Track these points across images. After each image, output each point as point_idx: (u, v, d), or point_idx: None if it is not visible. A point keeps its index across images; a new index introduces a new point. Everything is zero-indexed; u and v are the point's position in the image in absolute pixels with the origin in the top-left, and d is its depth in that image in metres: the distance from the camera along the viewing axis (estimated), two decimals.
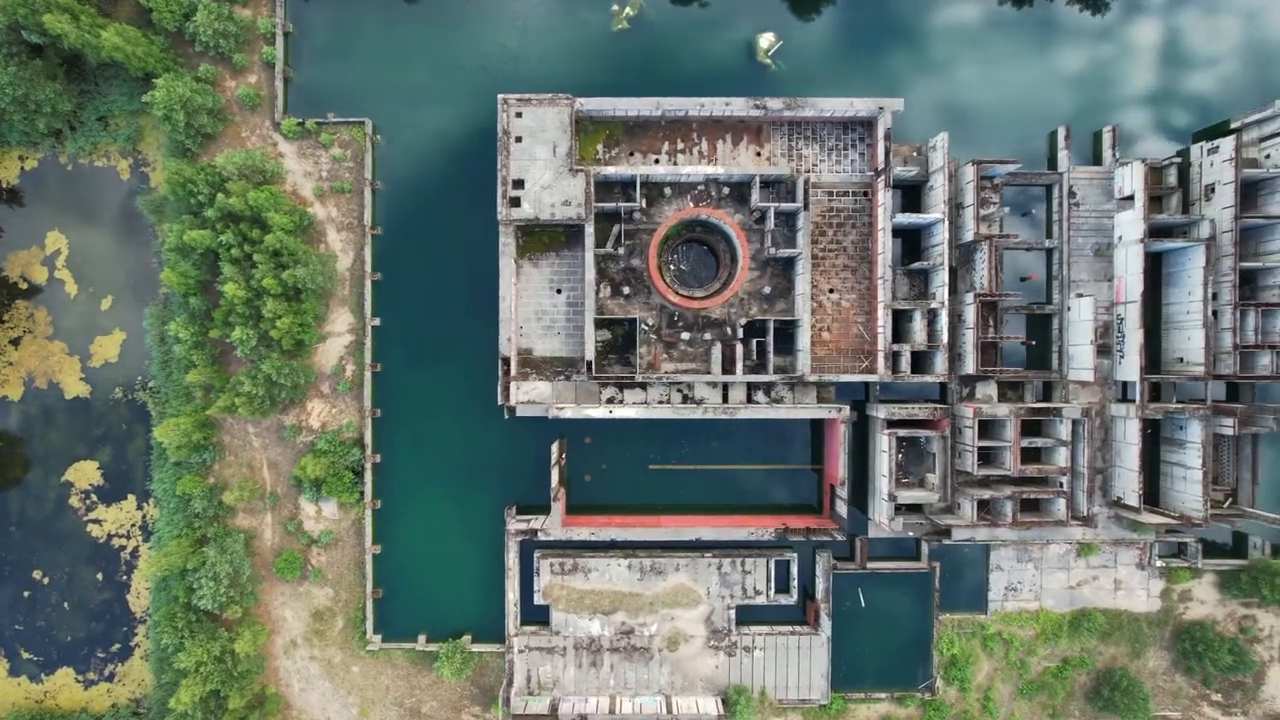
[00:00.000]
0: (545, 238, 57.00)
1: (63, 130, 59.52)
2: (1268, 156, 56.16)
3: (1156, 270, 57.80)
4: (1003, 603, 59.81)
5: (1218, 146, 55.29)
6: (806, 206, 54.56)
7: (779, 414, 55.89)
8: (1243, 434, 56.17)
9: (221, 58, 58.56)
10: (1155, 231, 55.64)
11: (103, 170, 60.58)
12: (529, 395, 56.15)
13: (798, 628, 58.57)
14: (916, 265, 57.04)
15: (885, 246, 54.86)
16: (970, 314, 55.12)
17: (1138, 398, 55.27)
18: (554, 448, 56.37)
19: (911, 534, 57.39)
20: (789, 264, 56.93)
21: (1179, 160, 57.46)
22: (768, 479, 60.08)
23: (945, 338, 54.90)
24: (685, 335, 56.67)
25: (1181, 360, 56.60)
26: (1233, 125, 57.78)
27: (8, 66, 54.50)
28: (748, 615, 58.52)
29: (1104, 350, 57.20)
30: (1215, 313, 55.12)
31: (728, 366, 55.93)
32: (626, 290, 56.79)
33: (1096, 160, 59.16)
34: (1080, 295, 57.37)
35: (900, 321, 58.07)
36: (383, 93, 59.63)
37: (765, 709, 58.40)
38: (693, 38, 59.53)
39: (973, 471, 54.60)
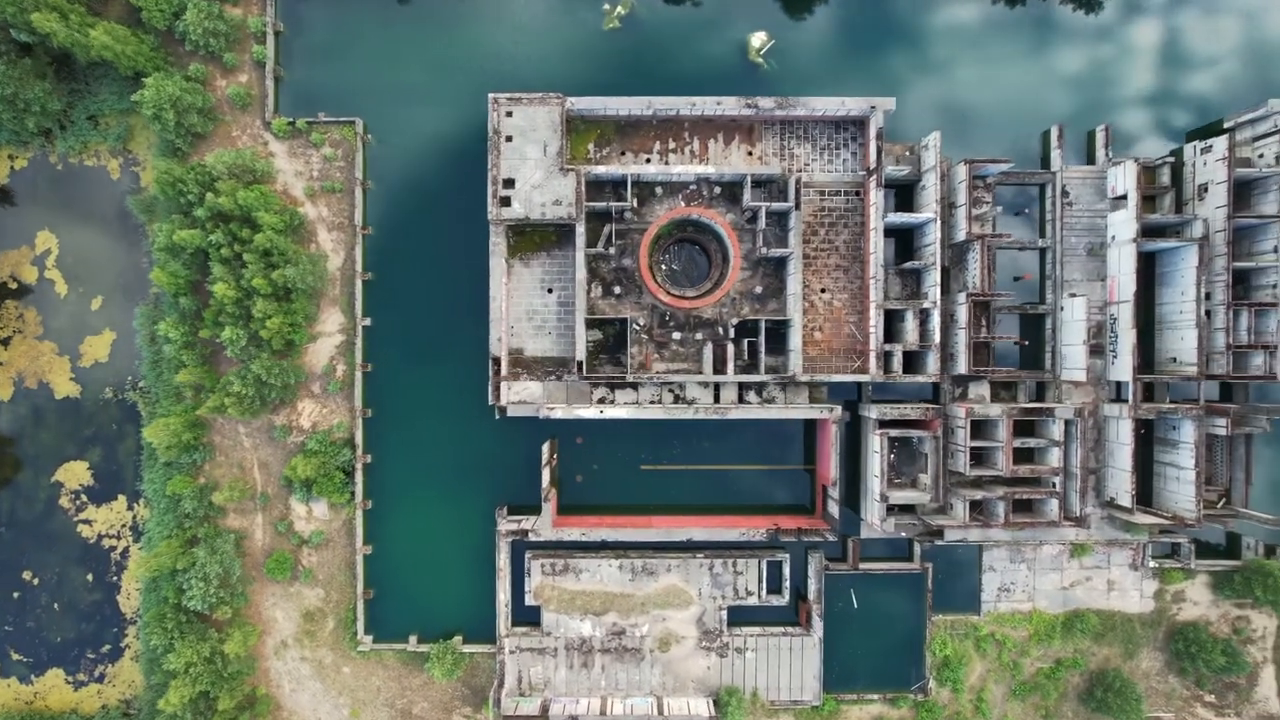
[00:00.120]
0: (536, 237, 56.83)
1: (52, 129, 59.32)
2: (1260, 156, 55.96)
3: (1150, 270, 57.61)
4: (996, 603, 59.65)
5: (1211, 146, 55.13)
6: (798, 206, 54.40)
7: (771, 414, 55.71)
8: (1236, 434, 55.97)
9: (212, 57, 58.38)
10: (1148, 231, 55.45)
11: (93, 170, 60.38)
12: (520, 395, 55.97)
13: (790, 629, 58.39)
14: (909, 265, 56.87)
15: (877, 246, 54.68)
16: (963, 314, 54.94)
17: (1131, 398, 55.07)
18: (545, 448, 56.20)
19: (904, 534, 57.19)
20: (781, 264, 56.76)
21: (1172, 160, 57.33)
22: (760, 479, 59.90)
23: (938, 338, 54.72)
24: (677, 335, 56.49)
25: (1175, 360, 56.43)
26: (1226, 125, 57.52)
27: None
28: (739, 616, 58.31)
29: (1097, 350, 57.02)
30: (1208, 312, 54.94)
31: (719, 366, 55.75)
32: (618, 290, 56.60)
33: (1090, 160, 59.00)
34: (1073, 295, 57.22)
35: (893, 321, 57.90)
36: (374, 92, 59.43)
37: (757, 710, 58.21)
38: (684, 37, 59.35)
39: (965, 472, 54.42)
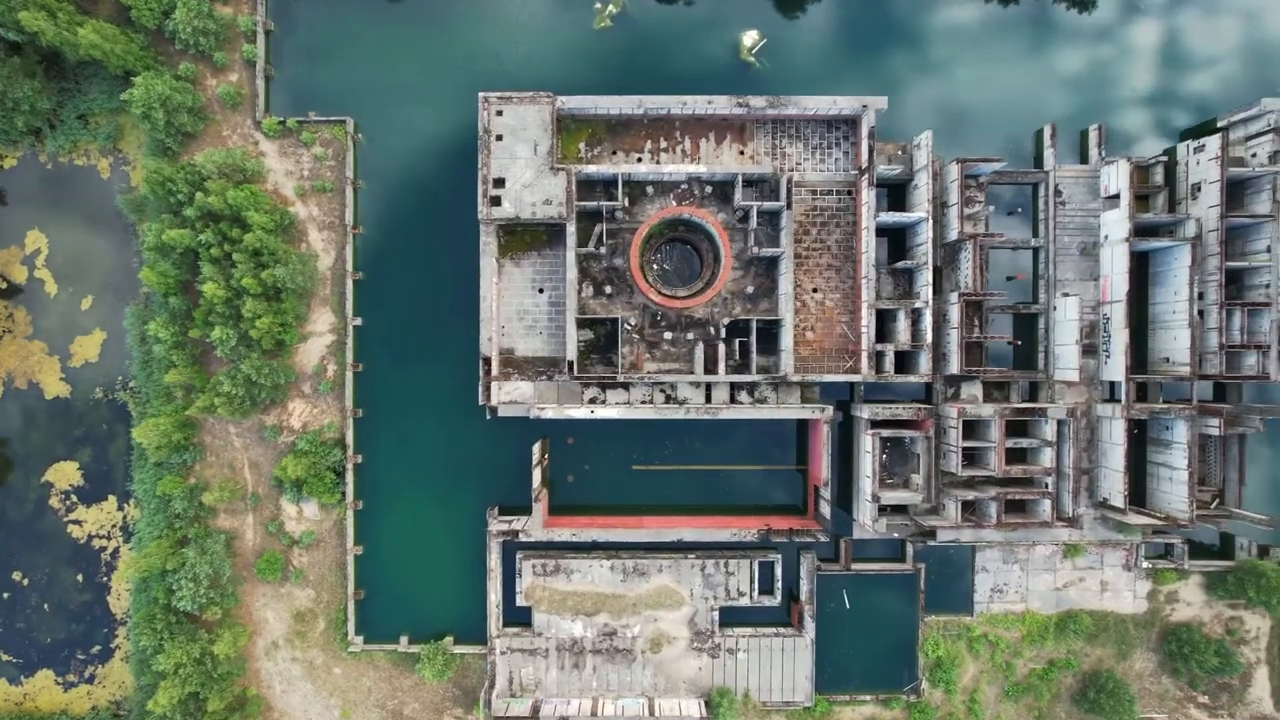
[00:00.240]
0: (527, 237, 56.64)
1: (42, 129, 59.09)
2: (1254, 155, 55.79)
3: (1143, 270, 57.45)
4: (988, 604, 59.46)
5: (1204, 145, 54.94)
6: (790, 205, 54.19)
7: (762, 414, 55.54)
8: (1229, 434, 55.84)
9: (202, 55, 58.16)
10: (1141, 230, 55.26)
11: (83, 169, 60.18)
12: (511, 395, 55.78)
13: (782, 629, 58.18)
14: (901, 264, 56.67)
15: (869, 245, 54.49)
16: (955, 313, 54.75)
17: (1123, 398, 54.91)
18: (536, 448, 56.02)
19: (896, 535, 57.01)
20: (772, 263, 56.57)
21: (1165, 159, 57.07)
22: (752, 480, 59.72)
23: (930, 337, 54.54)
24: (668, 335, 56.30)
25: (1168, 360, 56.25)
26: (1219, 124, 57.39)
27: None
28: (731, 617, 58.12)
29: (1090, 350, 56.85)
30: (1201, 312, 54.78)
31: (711, 366, 55.56)
32: (609, 290, 56.42)
33: (1084, 159, 58.80)
34: (1066, 294, 57.03)
35: (885, 321, 57.73)
36: (364, 91, 59.23)
37: (749, 711, 58.02)
38: (676, 35, 59.16)
39: (957, 472, 54.23)
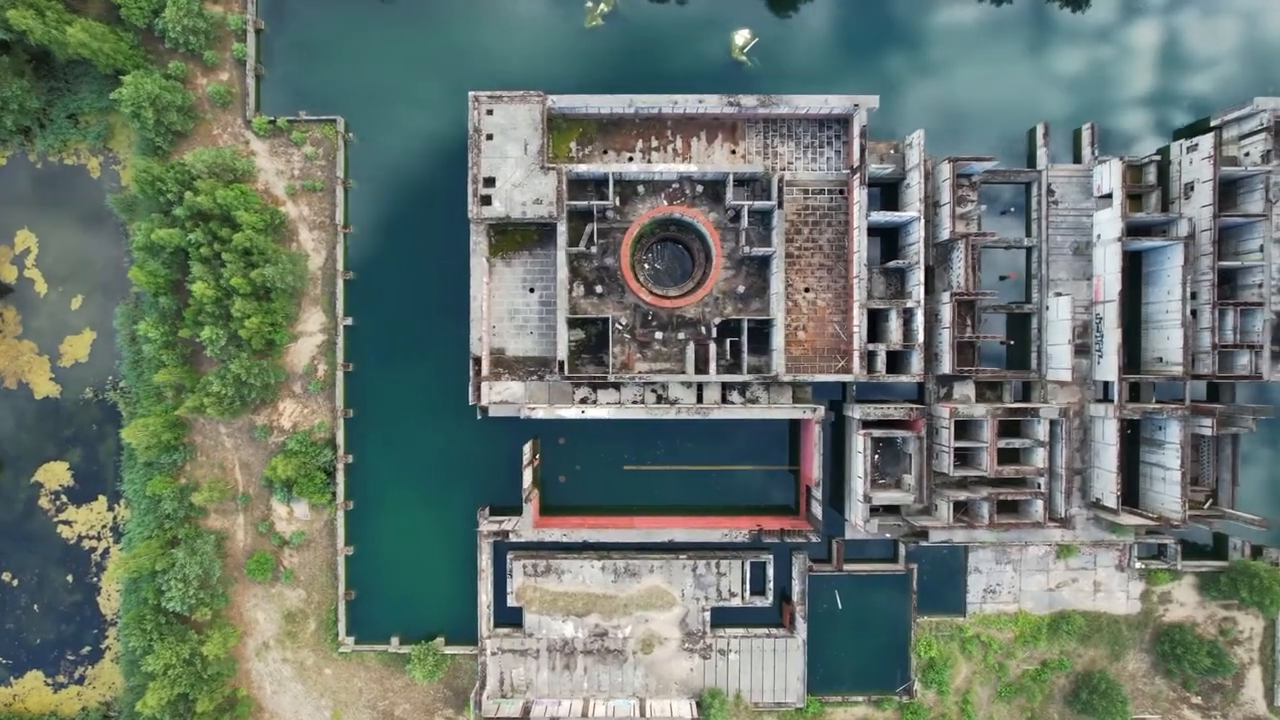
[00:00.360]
0: (518, 236, 56.43)
1: (31, 128, 58.92)
2: (1247, 154, 55.62)
3: (1136, 269, 57.28)
4: (981, 605, 59.28)
5: (1197, 144, 54.78)
6: (781, 205, 54.01)
7: (754, 414, 55.33)
8: (1222, 434, 55.65)
9: (192, 54, 57.96)
10: (1133, 230, 55.10)
11: (73, 168, 59.98)
12: (501, 395, 55.59)
13: (773, 630, 57.99)
14: (893, 264, 56.47)
15: (861, 245, 54.29)
16: (947, 313, 54.55)
17: (1116, 398, 54.71)
18: (527, 448, 55.81)
19: (888, 535, 56.84)
20: (764, 263, 56.37)
21: (1158, 158, 56.96)
22: (744, 480, 59.50)
23: (921, 337, 54.33)
24: (659, 335, 56.11)
25: (1160, 360, 56.08)
26: (1212, 123, 57.19)
27: None
28: (723, 618, 57.94)
29: (1082, 350, 56.67)
30: (1194, 312, 54.61)
31: (702, 366, 55.36)
32: (600, 289, 56.21)
33: (1077, 158, 58.61)
34: (1059, 294, 56.85)
35: (877, 321, 57.56)
36: (355, 90, 59.07)
37: (740, 712, 57.83)
38: (667, 34, 58.97)
39: (949, 472, 54.04)
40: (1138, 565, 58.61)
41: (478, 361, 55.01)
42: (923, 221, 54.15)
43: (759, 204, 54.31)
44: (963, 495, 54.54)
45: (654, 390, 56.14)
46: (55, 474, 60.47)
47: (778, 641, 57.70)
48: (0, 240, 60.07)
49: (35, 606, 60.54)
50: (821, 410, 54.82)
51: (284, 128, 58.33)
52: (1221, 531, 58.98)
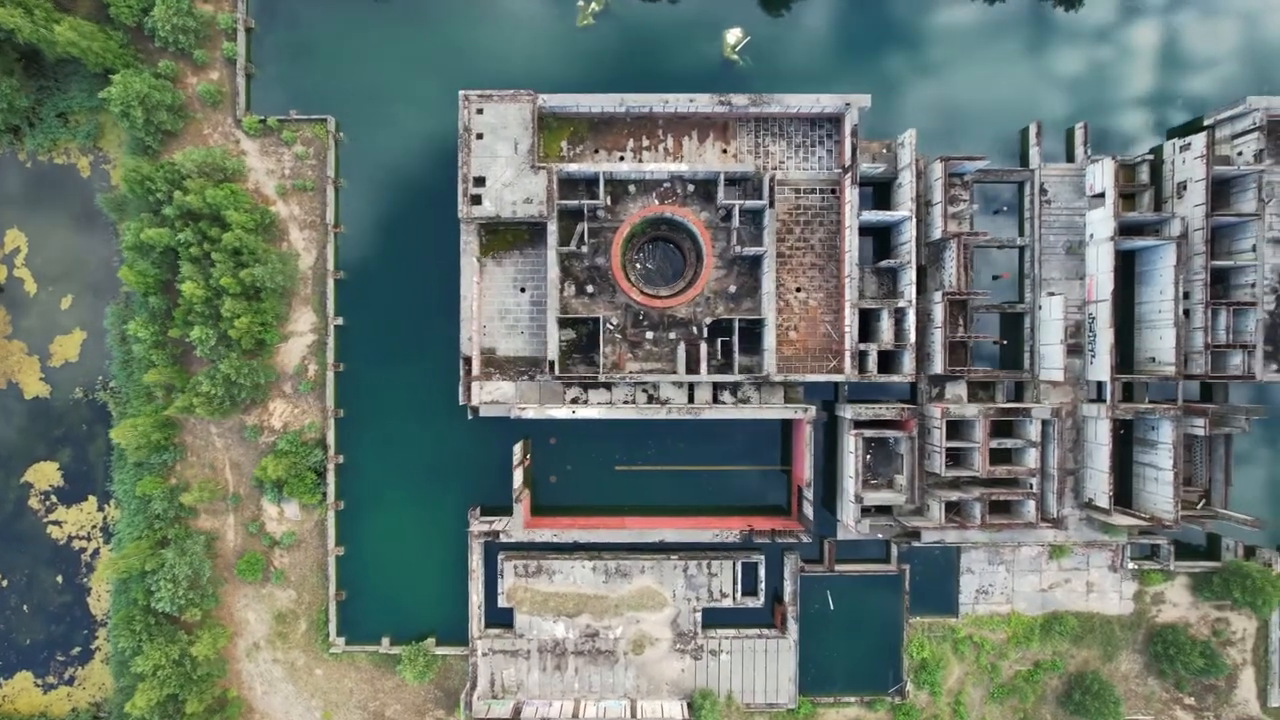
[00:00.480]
0: (509, 236, 56.25)
1: (21, 127, 58.73)
2: (1239, 154, 55.40)
3: (1129, 269, 57.12)
4: (974, 606, 59.11)
5: (1190, 144, 54.60)
6: (772, 204, 53.80)
7: (745, 414, 55.18)
8: (1215, 434, 55.50)
9: (182, 53, 57.78)
10: (1126, 229, 54.90)
11: (63, 167, 59.81)
12: (492, 395, 55.39)
13: (765, 631, 57.80)
14: (885, 264, 56.28)
15: (852, 244, 54.08)
16: (939, 313, 54.37)
17: (1109, 398, 54.54)
18: (517, 448, 55.67)
19: (880, 536, 56.64)
20: (755, 262, 56.19)
21: (1151, 158, 56.75)
22: (735, 480, 59.35)
23: (913, 337, 54.16)
24: (650, 335, 55.91)
25: (1153, 360, 55.90)
26: (1205, 122, 56.98)
27: None
28: (714, 618, 57.74)
29: (1075, 350, 56.49)
30: (1187, 312, 54.42)
31: (693, 366, 55.16)
32: (591, 289, 56.03)
33: (1070, 158, 58.43)
34: (1052, 294, 56.66)
35: (869, 321, 57.37)
36: (346, 89, 58.91)
37: (732, 713, 57.64)
38: (659, 33, 58.82)
39: (941, 473, 53.85)
40: (1130, 566, 58.46)
41: (468, 361, 54.83)
42: (915, 221, 54.00)
43: (750, 203, 54.14)
44: (955, 495, 54.38)
45: (645, 390, 55.96)
46: (45, 474, 60.29)
47: (769, 642, 57.55)
48: None
49: (25, 607, 60.36)
50: (813, 410, 54.66)
51: (274, 127, 58.17)
52: (1214, 532, 58.79)
